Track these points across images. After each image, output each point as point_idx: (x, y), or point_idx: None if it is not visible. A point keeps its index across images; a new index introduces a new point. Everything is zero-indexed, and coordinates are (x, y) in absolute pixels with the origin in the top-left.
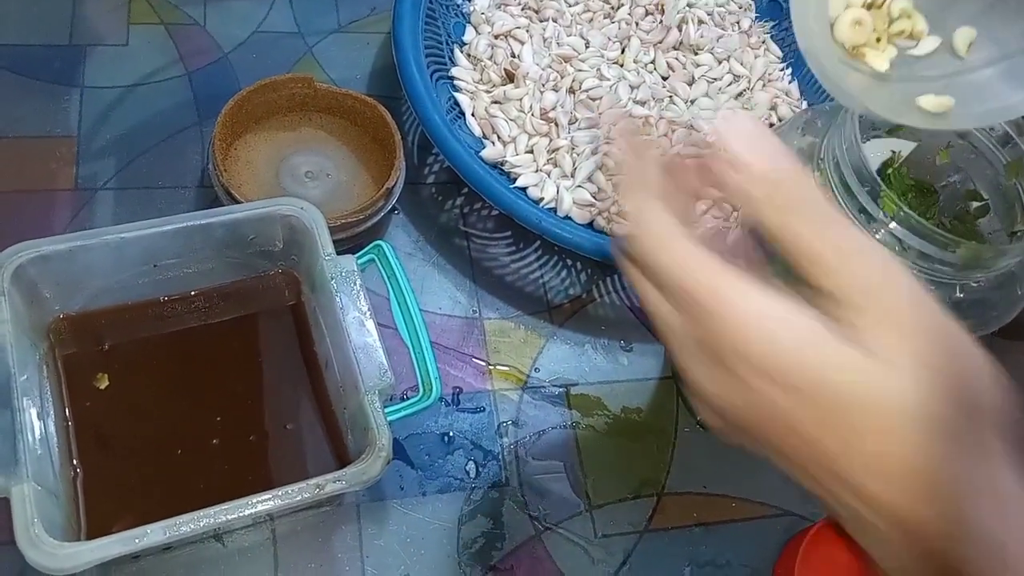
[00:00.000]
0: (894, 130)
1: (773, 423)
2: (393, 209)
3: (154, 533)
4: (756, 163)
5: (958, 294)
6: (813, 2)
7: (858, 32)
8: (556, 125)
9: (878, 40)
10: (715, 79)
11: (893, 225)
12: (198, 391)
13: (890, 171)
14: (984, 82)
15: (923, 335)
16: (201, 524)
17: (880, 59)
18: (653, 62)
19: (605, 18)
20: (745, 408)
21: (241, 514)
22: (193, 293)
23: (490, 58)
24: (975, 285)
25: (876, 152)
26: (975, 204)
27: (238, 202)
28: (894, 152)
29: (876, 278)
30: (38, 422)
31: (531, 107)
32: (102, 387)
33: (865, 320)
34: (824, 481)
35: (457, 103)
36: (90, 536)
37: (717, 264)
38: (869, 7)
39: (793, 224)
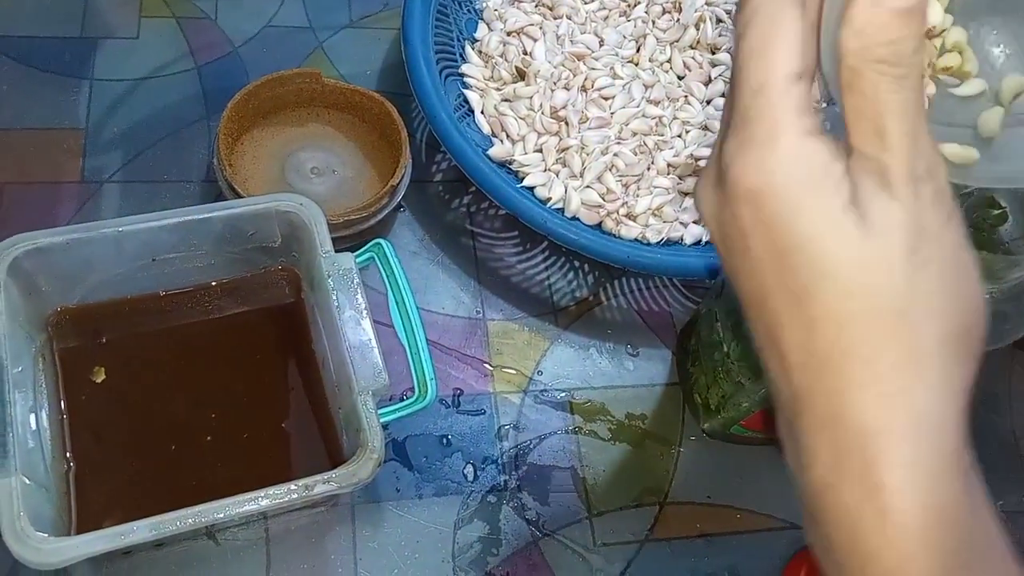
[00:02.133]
0: None
1: (742, 255)
2: (399, 207)
3: (141, 530)
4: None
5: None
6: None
7: None
8: (566, 124)
9: (921, 76)
10: None
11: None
12: (195, 387)
13: None
14: (1018, 141)
15: (921, 230)
16: (189, 522)
17: None
18: (669, 61)
19: (621, 16)
20: (725, 225)
21: (229, 513)
22: (192, 288)
23: (501, 55)
24: (987, 297)
25: None
26: (994, 212)
27: (241, 198)
28: None
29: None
30: (31, 414)
31: (541, 106)
32: (99, 381)
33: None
34: (763, 322)
35: (466, 100)
36: (80, 531)
37: (795, 100)
38: (926, 37)
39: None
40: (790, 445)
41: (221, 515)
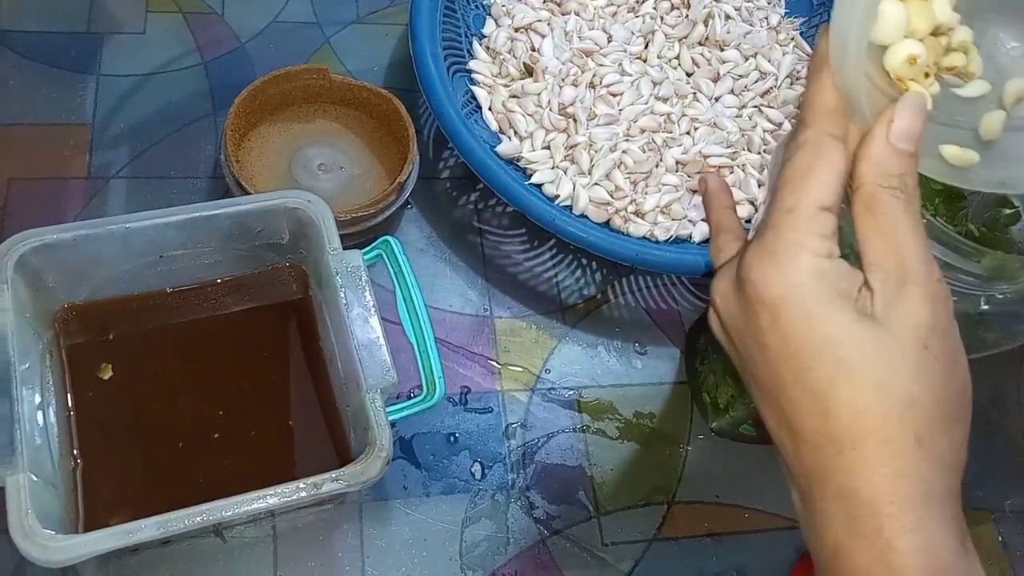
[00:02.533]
0: None
1: (758, 349)
2: (406, 204)
3: (149, 528)
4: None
5: (983, 306)
6: (858, 20)
7: (910, 69)
8: (575, 121)
9: (926, 75)
10: (741, 76)
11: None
12: (202, 384)
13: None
14: (1018, 146)
15: (933, 327)
16: (196, 520)
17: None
18: (677, 57)
19: (629, 12)
20: (739, 321)
21: (237, 511)
22: (199, 285)
23: (509, 51)
24: (1001, 297)
25: None
26: (1006, 211)
27: (248, 194)
28: None
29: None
30: (38, 412)
31: (549, 102)
32: (105, 377)
33: (885, 285)
34: (777, 408)
35: (474, 97)
36: (88, 528)
37: (820, 227)
38: (932, 34)
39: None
40: (804, 512)
41: (229, 513)
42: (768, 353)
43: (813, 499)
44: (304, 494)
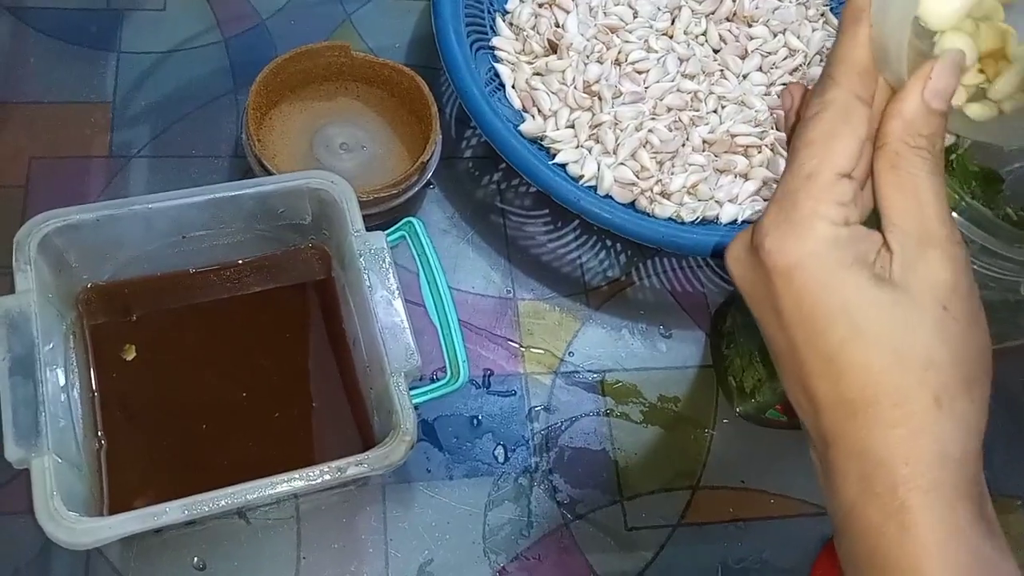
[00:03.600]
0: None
1: (773, 313)
2: (428, 183)
3: (173, 511)
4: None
5: (1022, 292)
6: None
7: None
8: (599, 99)
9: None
10: (769, 53)
11: (955, 216)
12: (225, 365)
13: (953, 157)
14: None
15: (954, 288)
16: (221, 504)
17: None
18: (704, 34)
19: None
20: (755, 286)
21: (261, 495)
22: (222, 265)
23: (533, 27)
24: None
25: None
26: None
27: (270, 173)
28: (958, 137)
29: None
30: (62, 393)
31: (574, 80)
32: (129, 358)
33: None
34: (792, 371)
35: (497, 74)
36: (112, 508)
37: (838, 195)
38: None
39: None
40: (821, 470)
41: (254, 496)
42: (782, 318)
43: (828, 459)
44: (328, 477)
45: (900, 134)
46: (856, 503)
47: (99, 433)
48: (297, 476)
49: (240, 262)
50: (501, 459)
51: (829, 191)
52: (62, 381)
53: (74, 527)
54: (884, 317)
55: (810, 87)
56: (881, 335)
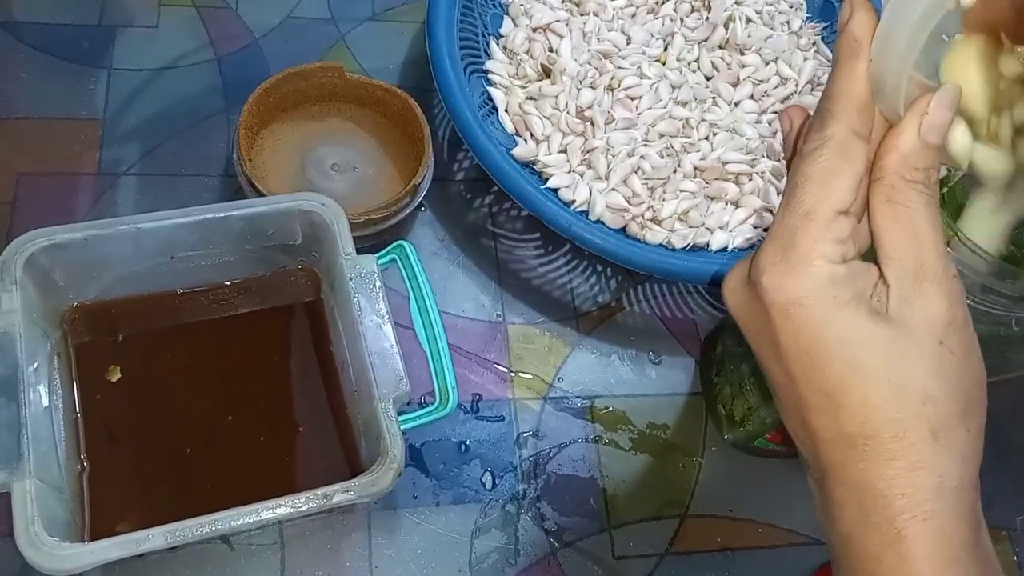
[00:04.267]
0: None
1: (771, 347)
2: (420, 206)
3: (155, 538)
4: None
5: (1014, 328)
6: (921, 12)
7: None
8: (592, 124)
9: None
10: (761, 81)
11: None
12: (211, 388)
13: (944, 190)
14: None
15: (950, 323)
16: (204, 530)
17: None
18: (697, 61)
19: (648, 13)
20: (753, 320)
21: (245, 521)
22: (210, 286)
23: (527, 52)
24: None
25: None
26: None
27: (261, 193)
28: (950, 170)
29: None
30: (45, 415)
31: (567, 105)
32: (114, 380)
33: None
34: (791, 403)
35: (490, 98)
36: (94, 533)
37: (835, 232)
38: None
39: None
40: (819, 498)
41: (238, 523)
42: (780, 352)
43: (827, 489)
44: (314, 505)
45: (896, 168)
46: (854, 532)
47: (81, 456)
48: (282, 503)
49: (228, 283)
50: (489, 485)
51: (827, 229)
52: (45, 402)
53: (55, 553)
54: (881, 352)
55: (809, 111)
56: (879, 370)
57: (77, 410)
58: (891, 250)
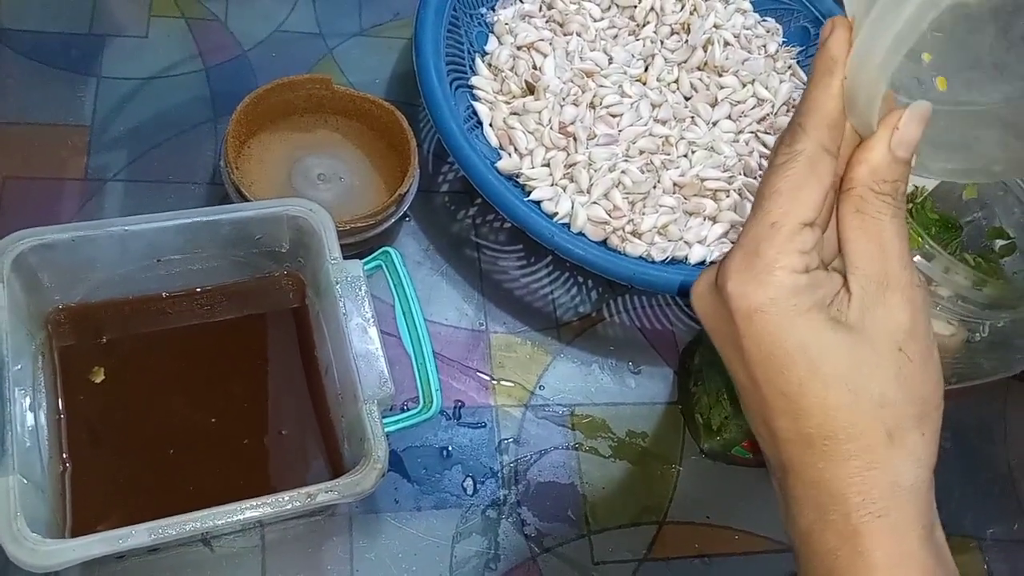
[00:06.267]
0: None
1: (735, 350)
2: (404, 216)
3: (139, 535)
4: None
5: (984, 333)
6: (901, 29)
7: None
8: (574, 140)
9: None
10: (738, 102)
11: (917, 259)
12: (195, 391)
13: (911, 206)
14: (957, 130)
15: (911, 331)
16: (187, 528)
17: None
18: (676, 81)
19: (630, 35)
20: (719, 323)
21: (229, 520)
22: (196, 290)
23: (511, 69)
24: (1000, 325)
25: None
26: (1000, 242)
27: (248, 200)
28: (916, 187)
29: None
30: (29, 413)
31: (550, 120)
32: (97, 381)
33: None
34: (754, 405)
35: (475, 112)
36: (75, 532)
37: (799, 244)
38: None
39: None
40: (780, 497)
41: (221, 522)
42: (743, 355)
43: (787, 487)
44: (298, 504)
45: (866, 180)
46: (813, 528)
47: (64, 455)
48: (266, 502)
49: (213, 287)
50: (470, 491)
51: (791, 241)
52: (29, 401)
53: (37, 549)
54: (841, 358)
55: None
56: (838, 375)
57: (60, 410)
58: (857, 260)
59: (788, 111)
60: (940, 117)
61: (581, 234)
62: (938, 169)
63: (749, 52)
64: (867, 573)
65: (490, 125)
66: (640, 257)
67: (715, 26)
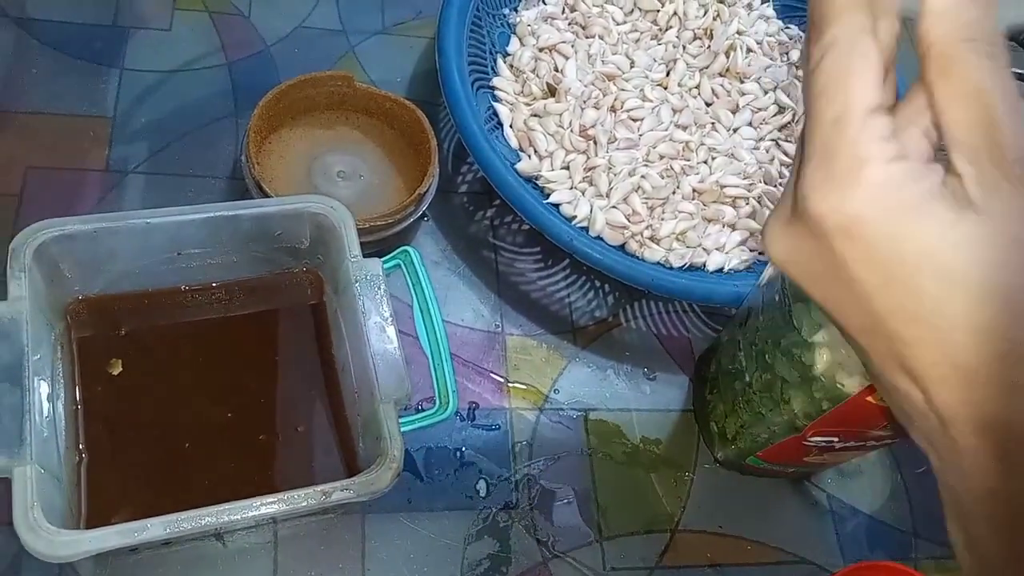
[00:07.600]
0: None
1: (842, 286)
2: (423, 216)
3: (154, 528)
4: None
5: None
6: None
7: None
8: (595, 143)
9: None
10: (760, 109)
11: None
12: (212, 385)
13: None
14: None
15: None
16: (203, 523)
17: None
18: (698, 87)
19: (652, 39)
20: (809, 262)
21: (244, 515)
22: (215, 285)
23: (533, 71)
24: None
25: None
26: None
27: (268, 196)
28: None
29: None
30: (47, 403)
31: (570, 123)
32: (115, 373)
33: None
34: (880, 346)
35: (496, 113)
36: (89, 524)
37: (877, 130)
38: None
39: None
40: (938, 455)
41: (236, 516)
42: (855, 288)
43: (949, 440)
44: (313, 501)
45: (942, 30)
46: (1000, 487)
47: (80, 446)
48: (281, 498)
49: (232, 282)
50: (483, 493)
51: (865, 129)
52: (47, 392)
53: (53, 539)
54: (976, 257)
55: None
56: (983, 278)
57: (77, 401)
58: (958, 132)
59: None
60: None
61: (599, 238)
62: None
63: (772, 59)
64: None
65: (510, 126)
66: (658, 263)
67: (738, 32)
